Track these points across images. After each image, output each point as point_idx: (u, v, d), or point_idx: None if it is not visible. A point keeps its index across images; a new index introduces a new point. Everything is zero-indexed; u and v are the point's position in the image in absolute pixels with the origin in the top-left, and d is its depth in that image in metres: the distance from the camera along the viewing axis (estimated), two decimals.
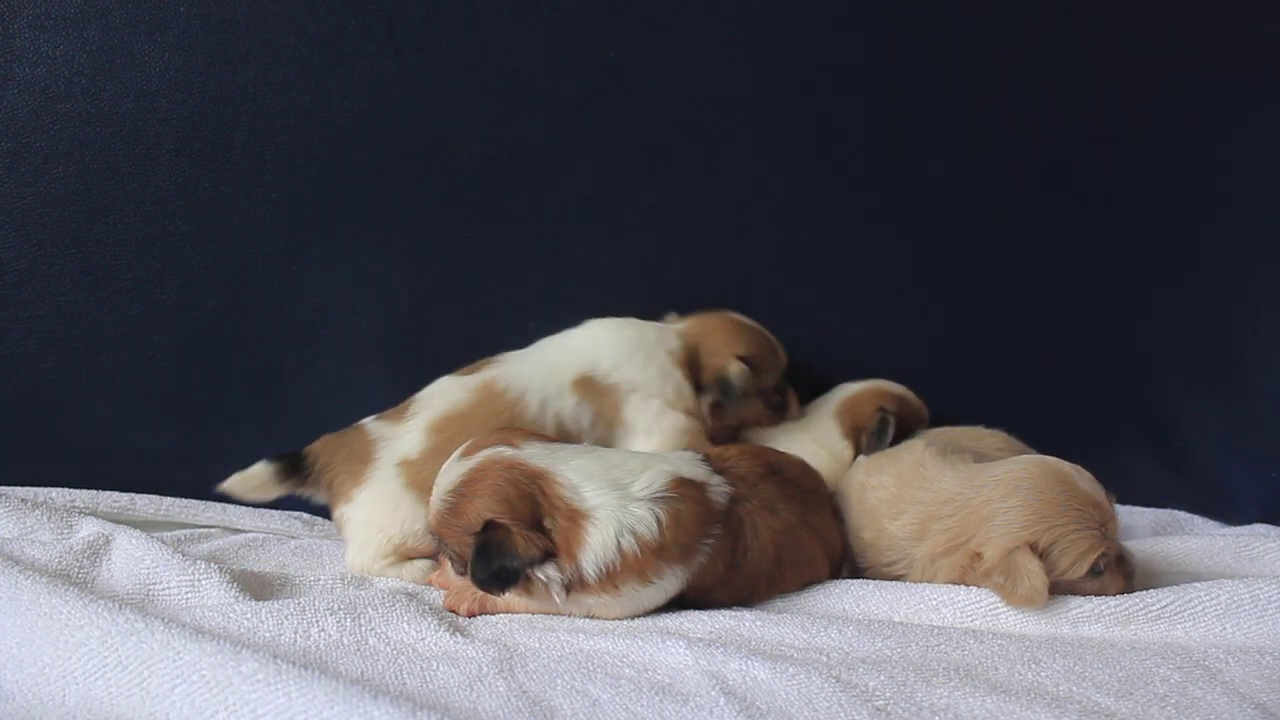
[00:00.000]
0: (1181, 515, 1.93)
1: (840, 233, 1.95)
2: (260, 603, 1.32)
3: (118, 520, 1.67)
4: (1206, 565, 1.62)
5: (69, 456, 1.81)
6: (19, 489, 1.73)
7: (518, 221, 1.89)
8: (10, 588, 1.23)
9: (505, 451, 1.36)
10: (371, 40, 1.81)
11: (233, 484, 1.60)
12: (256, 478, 1.60)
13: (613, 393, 1.69)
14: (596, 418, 1.69)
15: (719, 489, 1.42)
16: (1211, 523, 1.90)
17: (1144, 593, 1.37)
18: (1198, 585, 1.36)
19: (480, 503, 1.32)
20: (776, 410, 1.85)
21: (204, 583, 1.41)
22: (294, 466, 1.62)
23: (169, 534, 1.69)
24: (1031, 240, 1.98)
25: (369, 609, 1.33)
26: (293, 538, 1.79)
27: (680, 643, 1.24)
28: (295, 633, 1.26)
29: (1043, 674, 1.19)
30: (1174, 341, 1.97)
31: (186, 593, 1.40)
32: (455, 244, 1.89)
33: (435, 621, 1.32)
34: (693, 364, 1.76)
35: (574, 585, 1.33)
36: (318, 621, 1.28)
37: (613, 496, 1.33)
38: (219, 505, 1.84)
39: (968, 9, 1.90)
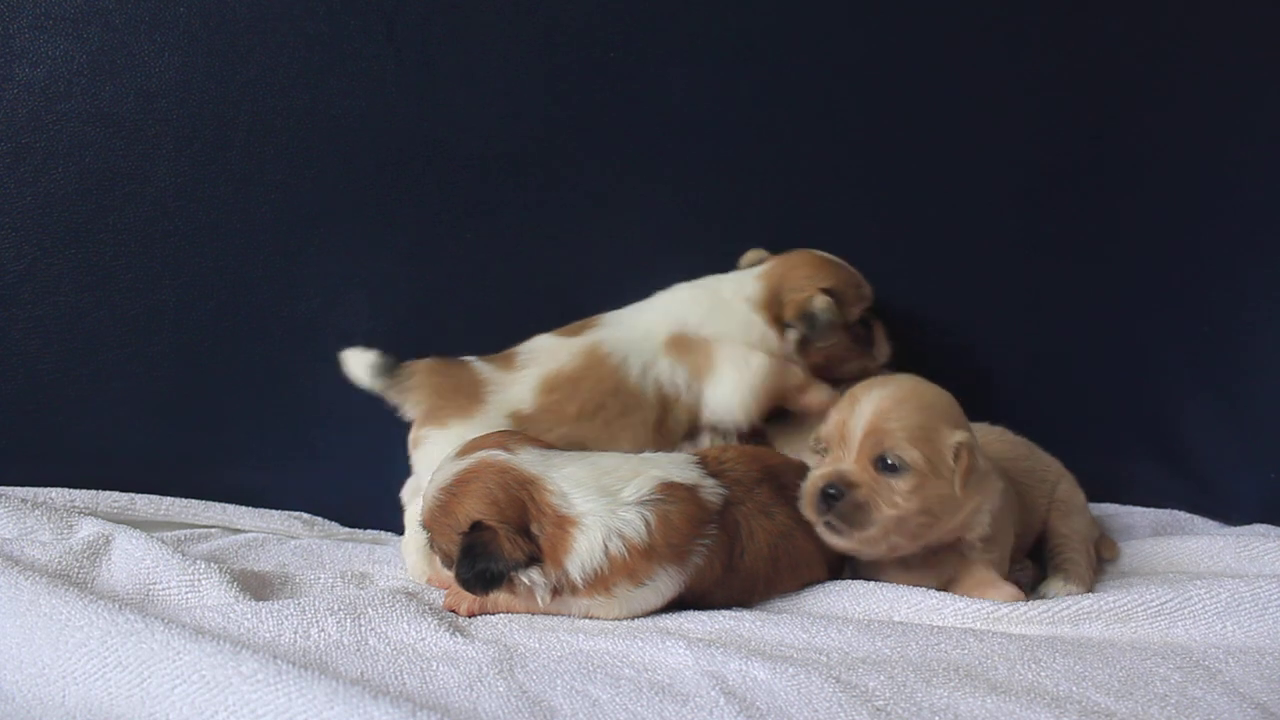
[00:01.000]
0: (1181, 515, 1.93)
1: (840, 234, 1.94)
2: (260, 603, 1.32)
3: (118, 520, 1.67)
4: (1206, 565, 1.62)
5: (69, 456, 1.81)
6: (19, 489, 1.73)
7: (518, 222, 1.89)
8: (10, 588, 1.23)
9: (499, 455, 1.37)
10: (371, 40, 1.81)
11: (346, 354, 1.67)
12: (364, 356, 1.66)
13: (705, 345, 1.73)
14: (691, 375, 1.72)
15: (712, 491, 1.42)
16: (1211, 523, 1.89)
17: (1144, 591, 1.37)
18: (1198, 584, 1.36)
19: (469, 503, 1.34)
20: (863, 344, 1.83)
21: (204, 583, 1.41)
22: (389, 369, 1.66)
23: (169, 534, 1.68)
24: (1031, 240, 1.98)
25: (369, 609, 1.33)
26: (293, 538, 1.80)
27: (680, 643, 1.24)
28: (295, 633, 1.26)
29: (1043, 674, 1.19)
30: (1174, 342, 1.97)
31: (186, 593, 1.40)
32: (455, 244, 1.88)
33: (435, 621, 1.32)
34: (776, 304, 1.76)
35: (562, 589, 1.35)
36: (318, 621, 1.28)
37: (601, 503, 1.35)
38: (219, 505, 1.84)
39: (967, 8, 1.90)
